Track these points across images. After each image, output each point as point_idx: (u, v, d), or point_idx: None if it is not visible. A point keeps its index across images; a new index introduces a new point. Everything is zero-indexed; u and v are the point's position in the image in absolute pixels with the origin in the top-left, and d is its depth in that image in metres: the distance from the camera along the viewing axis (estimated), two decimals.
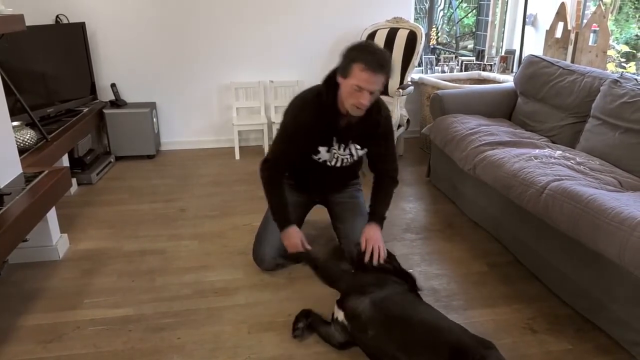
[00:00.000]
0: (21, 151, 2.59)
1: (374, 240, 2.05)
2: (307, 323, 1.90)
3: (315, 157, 2.20)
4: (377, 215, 2.20)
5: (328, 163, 2.22)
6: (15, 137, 2.52)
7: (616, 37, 4.68)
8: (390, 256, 2.08)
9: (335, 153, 2.19)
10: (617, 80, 2.61)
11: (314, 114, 2.06)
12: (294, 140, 2.13)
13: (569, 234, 1.97)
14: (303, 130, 2.09)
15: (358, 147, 2.20)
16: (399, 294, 1.79)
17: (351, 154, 2.21)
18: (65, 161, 3.21)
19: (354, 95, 1.91)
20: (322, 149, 2.17)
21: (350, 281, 1.87)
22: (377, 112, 2.10)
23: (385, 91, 3.92)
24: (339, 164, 2.23)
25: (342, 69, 1.93)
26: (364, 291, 1.77)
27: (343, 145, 2.17)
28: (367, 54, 1.87)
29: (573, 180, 2.14)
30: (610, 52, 3.56)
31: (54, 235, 2.48)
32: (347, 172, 2.35)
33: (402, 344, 1.62)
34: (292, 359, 1.81)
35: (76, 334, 1.94)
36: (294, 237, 2.17)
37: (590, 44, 3.29)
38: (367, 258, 2.01)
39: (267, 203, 2.24)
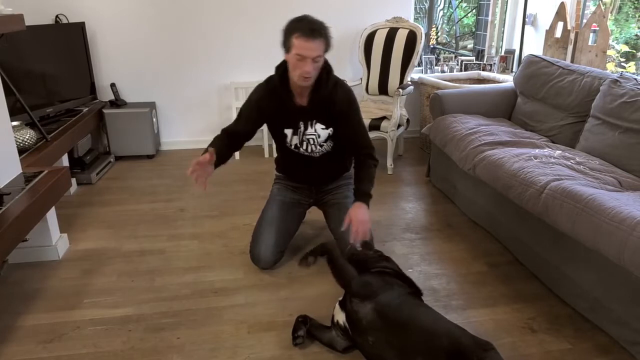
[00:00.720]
0: (21, 151, 2.59)
1: (358, 221, 2.05)
2: (307, 329, 1.88)
3: (288, 144, 2.28)
4: (360, 192, 2.19)
5: (301, 148, 2.28)
6: (15, 137, 2.52)
7: (616, 37, 4.68)
8: (368, 243, 2.06)
9: (302, 135, 2.24)
10: (617, 80, 2.61)
11: (265, 94, 2.19)
12: (246, 117, 2.26)
13: (569, 234, 1.97)
14: (256, 108, 2.22)
15: (322, 126, 2.24)
16: (399, 299, 1.76)
17: (317, 135, 2.25)
18: (65, 161, 3.21)
19: (298, 65, 2.00)
20: (288, 132, 2.25)
21: (357, 284, 1.82)
22: (334, 88, 2.17)
23: (385, 91, 3.93)
24: (310, 149, 2.28)
25: (284, 45, 2.05)
26: (369, 296, 1.75)
27: (305, 124, 2.22)
28: (298, 23, 2.00)
29: (573, 180, 2.14)
30: (609, 52, 3.56)
31: (53, 235, 2.49)
32: (331, 163, 2.38)
33: (400, 351, 1.62)
34: (291, 358, 1.81)
35: (76, 333, 1.94)
36: (201, 160, 2.00)
37: (590, 43, 3.29)
38: (352, 239, 2.02)
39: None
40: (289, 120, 2.23)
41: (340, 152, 2.35)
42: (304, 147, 2.28)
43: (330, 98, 2.16)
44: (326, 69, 2.14)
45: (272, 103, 2.19)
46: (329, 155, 2.33)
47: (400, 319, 1.68)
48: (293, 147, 2.29)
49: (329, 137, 2.27)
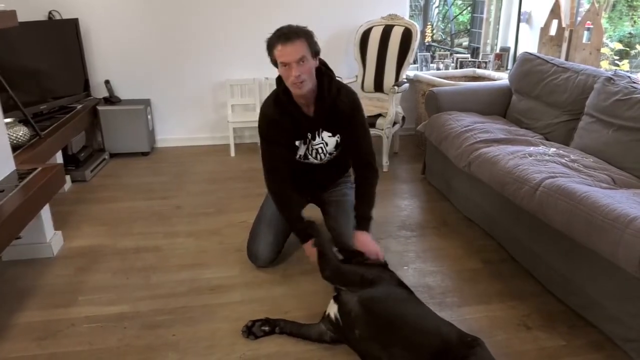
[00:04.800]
0: (14, 148, 2.57)
1: (371, 251, 2.04)
2: (287, 332, 1.90)
3: (296, 156, 2.24)
4: (362, 217, 2.17)
5: (309, 157, 2.26)
6: (8, 134, 2.50)
7: (610, 35, 4.70)
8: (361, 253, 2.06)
9: (310, 144, 2.23)
10: (611, 78, 2.62)
11: (278, 110, 2.13)
12: (274, 140, 2.18)
13: (563, 231, 1.98)
14: (275, 126, 2.15)
15: (329, 134, 2.22)
16: (388, 293, 1.76)
17: (325, 142, 2.24)
18: (59, 158, 3.19)
19: (287, 74, 1.98)
20: (299, 142, 2.22)
21: (331, 269, 1.85)
22: (337, 94, 2.14)
23: (380, 88, 3.93)
24: (318, 158, 2.26)
25: (272, 63, 2.03)
26: (342, 284, 1.79)
27: (312, 134, 2.21)
28: (273, 35, 1.98)
29: (567, 178, 2.15)
30: (603, 50, 3.58)
31: (47, 233, 2.47)
32: (333, 168, 2.38)
33: (385, 346, 1.62)
34: (287, 355, 1.81)
35: (71, 331, 1.94)
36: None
37: (584, 41, 3.30)
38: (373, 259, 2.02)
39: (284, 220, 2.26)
40: (299, 131, 2.19)
41: (344, 155, 2.35)
42: (313, 155, 2.26)
43: (335, 104, 2.14)
44: (328, 75, 2.11)
45: (284, 117, 2.13)
46: (333, 160, 2.32)
47: (385, 313, 1.68)
48: (299, 157, 2.26)
49: (337, 145, 2.26)
